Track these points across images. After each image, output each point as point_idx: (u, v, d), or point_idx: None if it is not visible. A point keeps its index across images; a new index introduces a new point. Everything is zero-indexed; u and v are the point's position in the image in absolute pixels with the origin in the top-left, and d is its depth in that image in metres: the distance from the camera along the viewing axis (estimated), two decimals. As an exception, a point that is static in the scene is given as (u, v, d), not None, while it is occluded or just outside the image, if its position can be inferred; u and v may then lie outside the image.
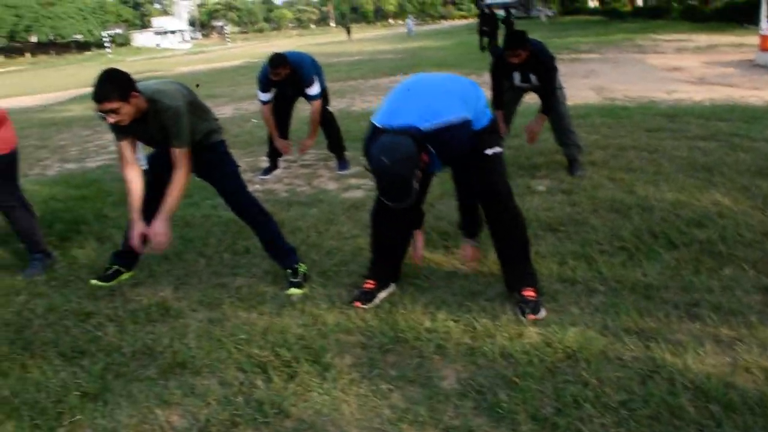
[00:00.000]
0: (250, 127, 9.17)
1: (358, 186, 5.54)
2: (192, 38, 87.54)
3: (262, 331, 2.98)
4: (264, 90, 5.67)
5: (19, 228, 3.99)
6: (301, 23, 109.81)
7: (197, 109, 3.33)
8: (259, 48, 47.65)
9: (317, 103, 5.74)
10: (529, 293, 3.05)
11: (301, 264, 3.57)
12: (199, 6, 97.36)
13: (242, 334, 2.95)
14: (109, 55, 58.96)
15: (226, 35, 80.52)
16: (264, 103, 5.77)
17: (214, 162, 3.47)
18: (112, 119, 2.98)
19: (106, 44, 62.24)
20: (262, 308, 3.25)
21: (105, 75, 2.98)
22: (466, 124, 2.82)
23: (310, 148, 6.12)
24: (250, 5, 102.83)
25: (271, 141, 6.08)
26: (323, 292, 3.38)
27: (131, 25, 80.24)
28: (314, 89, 5.64)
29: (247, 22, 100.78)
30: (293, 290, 3.42)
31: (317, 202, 5.08)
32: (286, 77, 5.45)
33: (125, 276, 3.75)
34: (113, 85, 2.95)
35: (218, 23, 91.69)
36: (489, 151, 3.00)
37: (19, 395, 2.57)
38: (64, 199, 5.60)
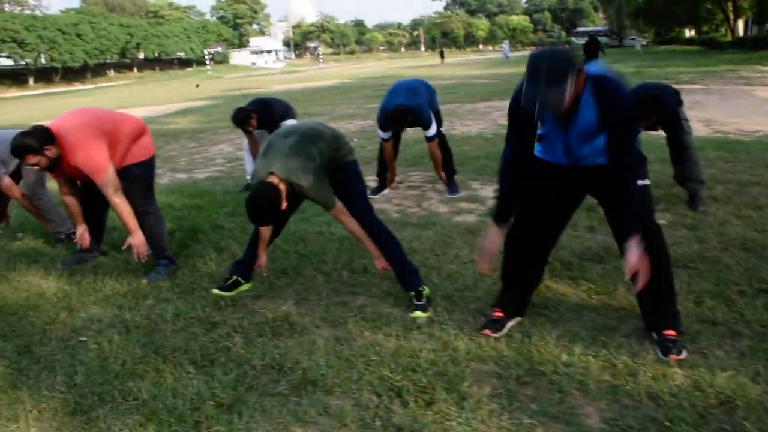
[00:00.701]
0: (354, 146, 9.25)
1: (470, 210, 5.44)
2: (285, 58, 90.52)
3: (391, 353, 2.91)
4: (384, 129, 5.81)
5: (148, 232, 4.12)
6: (391, 46, 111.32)
7: (331, 143, 3.46)
8: (351, 69, 48.73)
9: (433, 144, 5.80)
10: (670, 333, 2.85)
11: (424, 287, 3.49)
12: (294, 27, 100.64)
13: (372, 355, 2.88)
14: (209, 72, 61.78)
15: (318, 56, 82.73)
16: (385, 140, 5.93)
17: (344, 181, 3.51)
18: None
19: (206, 61, 65.22)
20: (388, 330, 3.18)
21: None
22: None
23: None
24: (343, 28, 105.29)
25: (381, 161, 6.11)
26: (449, 317, 3.29)
27: (230, 44, 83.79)
28: (431, 131, 5.73)
29: (339, 44, 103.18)
30: (418, 313, 3.34)
31: (430, 225, 5.01)
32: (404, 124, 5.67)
33: (245, 287, 3.78)
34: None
35: (312, 44, 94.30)
36: (640, 183, 2.86)
37: (157, 399, 2.60)
38: (180, 207, 5.78)
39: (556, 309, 3.31)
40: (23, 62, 54.96)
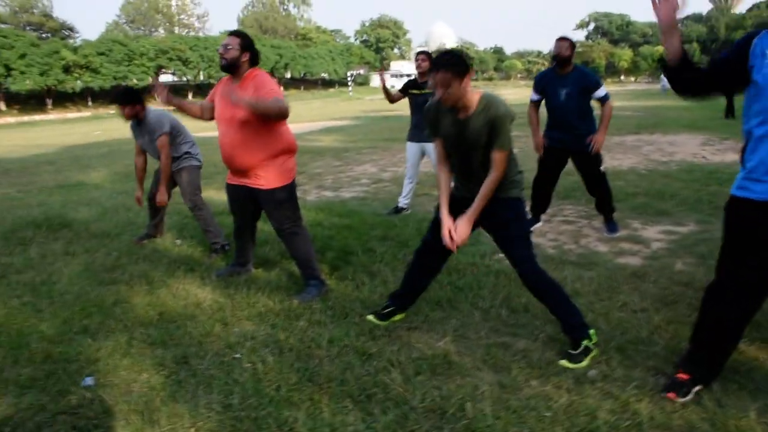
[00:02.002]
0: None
1: (633, 252, 4.94)
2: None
3: (564, 409, 2.58)
4: (537, 90, 5.53)
5: (297, 253, 4.05)
6: (529, 74, 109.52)
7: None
8: (489, 95, 48.26)
9: (609, 105, 5.32)
10: None
11: (586, 338, 3.11)
12: (434, 53, 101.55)
13: (543, 410, 2.57)
14: (350, 93, 63.82)
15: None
16: (533, 102, 5.58)
17: (506, 220, 3.17)
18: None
19: (348, 83, 67.51)
20: (558, 380, 2.85)
21: None
22: None
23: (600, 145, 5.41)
24: (482, 54, 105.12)
25: (534, 193, 5.71)
26: (624, 372, 2.91)
27: (372, 67, 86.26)
28: (602, 91, 5.27)
29: (477, 70, 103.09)
30: (565, 362, 3.03)
31: (591, 265, 4.59)
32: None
33: (398, 317, 3.60)
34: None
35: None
36: None
37: (314, 434, 2.43)
38: (329, 226, 5.73)
39: (750, 376, 2.83)
40: (185, 78, 59.66)
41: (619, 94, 43.39)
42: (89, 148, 17.60)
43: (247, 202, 4.10)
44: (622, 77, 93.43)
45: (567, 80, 5.27)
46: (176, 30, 71.44)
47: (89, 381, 2.91)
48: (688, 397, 2.67)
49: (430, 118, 3.23)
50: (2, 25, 51.53)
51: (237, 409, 2.65)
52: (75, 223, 6.36)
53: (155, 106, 5.15)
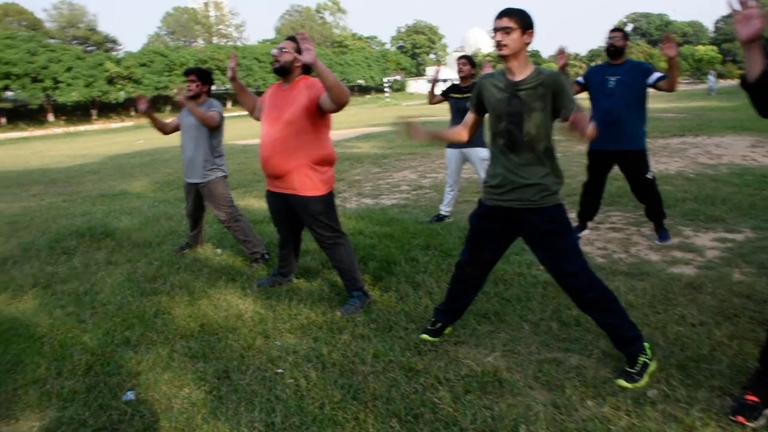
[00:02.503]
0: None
1: (686, 261, 4.71)
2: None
3: (624, 433, 2.41)
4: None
5: (340, 264, 3.95)
6: (568, 76, 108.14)
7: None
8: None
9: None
10: None
11: (643, 354, 2.93)
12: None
13: (604, 435, 2.40)
14: (387, 99, 63.86)
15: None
16: (576, 81, 5.41)
17: (548, 233, 2.97)
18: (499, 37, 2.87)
19: (385, 89, 67.60)
20: (615, 401, 2.68)
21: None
22: None
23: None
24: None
25: (583, 200, 5.52)
26: (687, 393, 2.72)
27: (408, 73, 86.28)
28: (658, 73, 5.00)
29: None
30: (622, 382, 2.85)
31: (643, 275, 4.38)
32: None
33: (447, 331, 3.47)
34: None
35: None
36: None
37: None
38: (371, 235, 5.63)
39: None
40: (224, 87, 60.55)
41: (660, 95, 42.36)
42: (132, 157, 17.90)
43: (286, 212, 4.03)
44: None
45: (619, 70, 5.08)
46: (215, 40, 72.61)
47: (130, 395, 2.85)
48: (760, 422, 2.48)
49: (475, 91, 3.11)
50: (51, 40, 53.06)
51: (279, 428, 2.56)
52: (117, 232, 6.40)
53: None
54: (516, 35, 2.84)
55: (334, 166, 3.98)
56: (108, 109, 51.20)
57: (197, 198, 5.17)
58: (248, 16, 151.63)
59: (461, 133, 3.35)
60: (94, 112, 49.90)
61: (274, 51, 3.81)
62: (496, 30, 2.86)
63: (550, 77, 2.86)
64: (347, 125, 25.72)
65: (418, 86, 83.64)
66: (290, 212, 4.01)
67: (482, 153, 5.99)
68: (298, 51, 3.67)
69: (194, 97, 4.98)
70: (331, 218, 3.92)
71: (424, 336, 3.40)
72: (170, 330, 3.63)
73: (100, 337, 3.58)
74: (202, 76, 5.02)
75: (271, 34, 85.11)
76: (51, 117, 47.81)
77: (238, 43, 70.88)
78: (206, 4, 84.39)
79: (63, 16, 65.37)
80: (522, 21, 2.84)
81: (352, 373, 3.02)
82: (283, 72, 3.78)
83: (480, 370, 3.00)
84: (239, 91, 4.20)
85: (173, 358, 3.25)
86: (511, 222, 3.07)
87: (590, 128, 2.78)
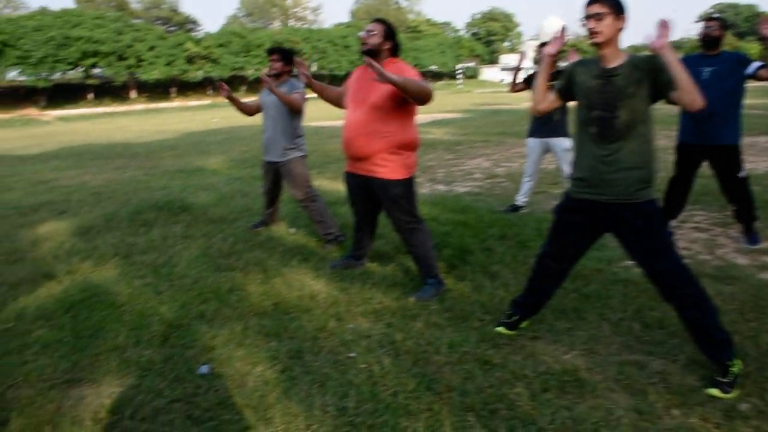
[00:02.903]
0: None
1: (782, 267, 4.40)
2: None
3: (717, 450, 2.25)
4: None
5: (416, 250, 3.88)
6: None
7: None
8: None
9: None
10: None
11: (735, 361, 2.73)
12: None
13: (693, 449, 2.25)
14: (459, 86, 63.19)
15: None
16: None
17: (641, 229, 2.81)
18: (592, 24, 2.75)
19: (459, 76, 66.92)
20: (703, 412, 2.52)
21: None
22: None
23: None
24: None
25: (668, 196, 5.22)
26: (784, 408, 2.51)
27: (482, 60, 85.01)
28: (757, 63, 4.70)
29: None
30: (714, 391, 2.67)
31: (731, 279, 4.11)
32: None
33: (523, 324, 3.35)
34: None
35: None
36: None
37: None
38: (445, 222, 5.52)
39: None
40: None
41: (750, 91, 40.01)
42: (208, 135, 18.35)
43: (365, 194, 3.98)
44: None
45: (714, 60, 4.77)
46: (291, 23, 73.54)
47: (204, 369, 2.88)
48: None
49: (565, 75, 2.98)
50: (136, 20, 54.99)
51: (352, 413, 2.52)
52: (194, 207, 6.53)
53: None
54: (609, 20, 2.71)
55: (416, 151, 3.90)
56: (186, 88, 52.66)
57: (275, 177, 5.20)
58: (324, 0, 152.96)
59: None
60: (173, 90, 51.47)
61: (362, 33, 3.74)
62: (587, 17, 2.74)
63: (645, 60, 2.74)
64: (420, 111, 25.49)
65: (491, 74, 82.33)
66: (369, 195, 3.95)
67: (565, 143, 5.78)
68: (386, 34, 3.63)
69: (276, 76, 4.98)
70: (410, 203, 3.85)
71: (500, 329, 3.30)
72: (244, 306, 3.65)
73: (176, 309, 3.64)
74: (285, 55, 5.02)
75: (346, 18, 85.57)
76: (133, 94, 49.62)
77: (313, 27, 71.51)
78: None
79: (148, -4, 67.63)
80: (614, 5, 2.72)
81: (426, 363, 2.95)
82: (372, 54, 3.70)
83: (559, 369, 2.87)
84: (320, 92, 4.15)
85: (247, 335, 3.26)
86: (599, 217, 2.92)
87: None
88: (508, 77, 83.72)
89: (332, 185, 7.63)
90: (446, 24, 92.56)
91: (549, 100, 3.13)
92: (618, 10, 2.73)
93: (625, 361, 2.98)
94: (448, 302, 3.69)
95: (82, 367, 2.95)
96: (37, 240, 5.51)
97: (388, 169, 3.74)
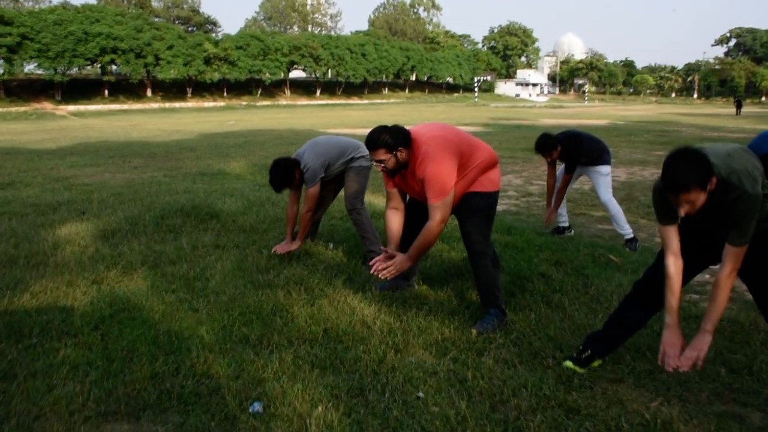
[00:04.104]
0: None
1: None
2: (549, 92, 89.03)
3: None
4: None
5: (482, 276, 3.55)
6: (661, 90, 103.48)
7: None
8: (619, 110, 45.84)
9: None
10: None
11: None
12: (562, 63, 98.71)
13: None
14: (476, 99, 62.99)
15: (584, 94, 80.00)
16: None
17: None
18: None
19: (475, 89, 66.72)
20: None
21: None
22: None
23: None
24: (612, 67, 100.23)
25: None
26: None
27: (498, 74, 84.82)
28: None
29: (606, 84, 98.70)
30: None
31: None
32: None
33: (595, 363, 3.03)
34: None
35: (579, 81, 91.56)
36: None
37: None
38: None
39: None
40: (314, 76, 61.22)
41: (763, 116, 39.49)
42: (226, 137, 18.10)
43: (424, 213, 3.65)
44: (763, 98, 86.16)
45: None
46: (309, 28, 73.57)
47: (257, 407, 2.54)
48: None
49: (659, 201, 2.68)
50: (156, 19, 55.08)
51: (434, 471, 2.18)
52: (222, 214, 6.22)
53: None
54: (702, 197, 2.42)
55: (497, 167, 3.59)
56: (202, 88, 52.63)
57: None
58: (344, 6, 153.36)
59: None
60: (189, 90, 51.43)
61: (377, 167, 3.43)
62: (679, 202, 2.45)
63: (734, 198, 2.52)
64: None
65: (506, 88, 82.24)
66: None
67: (602, 169, 5.44)
68: (392, 150, 3.33)
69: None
70: (488, 220, 3.58)
71: (568, 363, 3.01)
72: (291, 331, 3.31)
73: (217, 331, 3.31)
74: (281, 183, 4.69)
75: (364, 26, 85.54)
76: (149, 92, 49.61)
77: (333, 33, 71.54)
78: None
79: (169, -4, 67.85)
80: (703, 183, 2.39)
81: (505, 407, 2.61)
82: (399, 169, 3.43)
83: (649, 418, 2.53)
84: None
85: (299, 365, 2.93)
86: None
87: None
88: (523, 92, 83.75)
89: (377, 200, 7.23)
90: (464, 36, 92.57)
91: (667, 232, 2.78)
92: (705, 183, 2.40)
93: (722, 413, 2.65)
94: (513, 335, 3.36)
95: (117, 398, 2.61)
96: (58, 242, 5.21)
97: (472, 185, 3.50)
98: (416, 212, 3.66)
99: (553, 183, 5.59)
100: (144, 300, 3.78)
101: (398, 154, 3.35)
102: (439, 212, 3.29)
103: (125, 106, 44.85)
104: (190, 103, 49.27)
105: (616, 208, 5.39)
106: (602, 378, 2.94)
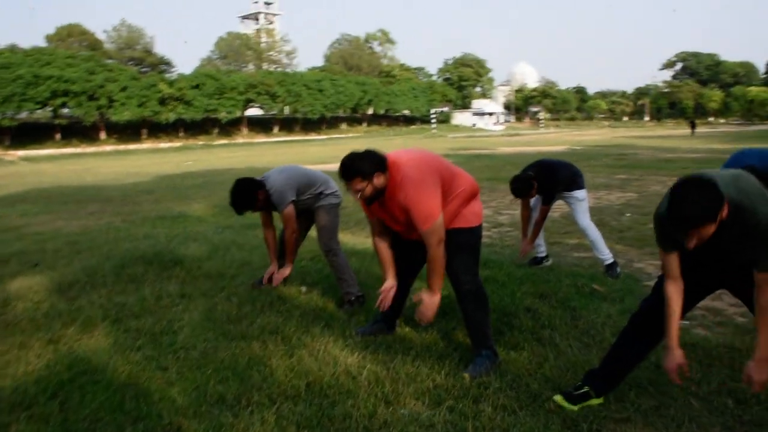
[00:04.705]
0: (629, 221, 8.02)
1: None
2: (505, 121, 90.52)
3: None
4: None
5: (470, 317, 3.37)
6: (613, 114, 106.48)
7: None
8: (575, 136, 46.72)
9: None
10: None
11: None
12: (517, 92, 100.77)
13: None
14: (434, 130, 63.61)
15: (539, 121, 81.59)
16: None
17: None
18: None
19: (432, 120, 67.42)
20: None
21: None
22: None
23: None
24: (565, 93, 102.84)
25: None
26: None
27: (454, 105, 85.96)
28: None
29: (560, 110, 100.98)
30: None
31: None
32: None
33: (594, 401, 2.88)
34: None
35: (534, 109, 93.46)
36: None
37: None
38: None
39: None
40: (271, 113, 61.03)
41: (714, 135, 40.82)
42: (184, 178, 17.71)
43: (411, 249, 3.46)
44: (711, 119, 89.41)
45: None
46: (265, 66, 73.58)
47: (241, 480, 2.28)
48: None
49: (662, 231, 2.56)
50: (109, 60, 54.37)
51: None
52: (186, 260, 5.92)
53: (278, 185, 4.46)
54: (711, 228, 2.30)
55: (479, 199, 3.43)
56: (158, 129, 51.89)
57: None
58: (299, 43, 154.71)
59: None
60: (144, 131, 50.66)
61: (355, 195, 3.22)
62: (687, 238, 2.34)
63: (754, 226, 2.43)
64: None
65: (463, 118, 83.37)
66: (415, 249, 3.43)
67: (578, 194, 5.35)
68: (368, 177, 3.13)
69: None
70: (476, 257, 3.41)
71: (558, 398, 2.88)
72: (272, 387, 3.05)
73: (190, 391, 3.03)
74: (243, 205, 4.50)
75: (320, 62, 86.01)
76: (103, 135, 48.68)
77: (288, 70, 71.71)
78: (258, 31, 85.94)
79: (122, 37, 67.03)
80: (713, 217, 2.28)
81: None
82: (378, 195, 3.24)
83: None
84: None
85: (283, 426, 2.67)
86: None
87: None
88: (479, 122, 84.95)
89: (353, 239, 7.00)
90: (419, 69, 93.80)
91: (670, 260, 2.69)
92: (714, 218, 2.29)
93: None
94: (509, 377, 3.17)
95: (80, 479, 2.32)
96: (8, 299, 4.83)
97: (455, 219, 3.31)
98: (405, 253, 3.54)
99: (527, 215, 5.47)
100: (107, 360, 3.47)
101: (375, 179, 3.15)
102: (433, 236, 3.11)
103: (78, 150, 43.83)
104: (146, 145, 48.47)
105: (595, 234, 5.29)
106: (608, 418, 2.78)
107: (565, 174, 5.33)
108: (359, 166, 3.13)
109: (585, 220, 5.31)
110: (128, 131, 50.21)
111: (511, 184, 5.25)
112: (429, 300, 3.20)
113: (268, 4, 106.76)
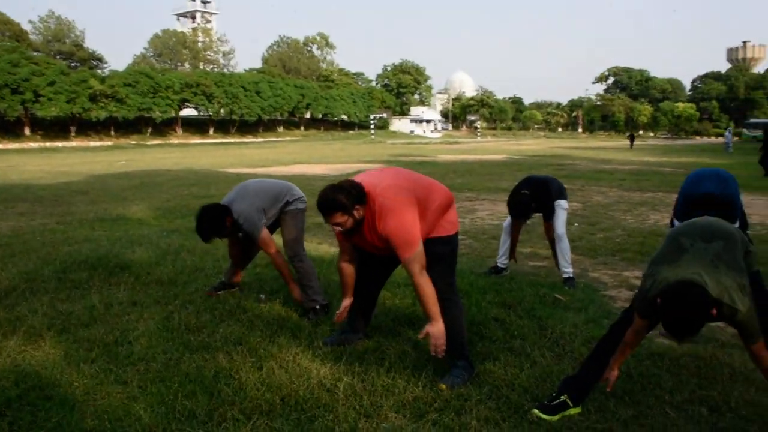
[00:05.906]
0: (579, 231, 8.17)
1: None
2: (443, 128, 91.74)
3: None
4: (681, 219, 4.67)
5: (448, 327, 3.28)
6: (548, 125, 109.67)
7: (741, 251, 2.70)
8: (512, 145, 47.77)
9: None
10: None
11: None
12: (454, 100, 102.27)
13: None
14: (372, 136, 63.66)
15: (477, 130, 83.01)
16: None
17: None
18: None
19: (371, 126, 67.49)
20: None
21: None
22: None
23: None
24: (502, 103, 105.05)
25: None
26: None
27: (393, 112, 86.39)
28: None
29: (496, 119, 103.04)
30: None
31: None
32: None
33: (572, 411, 2.89)
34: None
35: (471, 117, 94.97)
36: None
37: None
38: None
39: None
40: (207, 114, 59.68)
41: (645, 148, 42.62)
42: (119, 178, 17.03)
43: (381, 262, 3.39)
44: (641, 132, 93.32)
45: None
46: (201, 66, 72.02)
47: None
48: None
49: (648, 312, 2.70)
50: (35, 53, 51.92)
51: None
52: (134, 265, 5.63)
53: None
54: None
55: (454, 207, 3.39)
56: (87, 127, 49.91)
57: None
58: (237, 44, 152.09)
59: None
60: (73, 128, 48.61)
61: (335, 229, 3.17)
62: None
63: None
64: (337, 160, 25.24)
65: (401, 125, 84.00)
66: (386, 261, 3.38)
67: (564, 203, 5.43)
68: (348, 210, 3.06)
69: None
70: (452, 265, 3.39)
71: (536, 412, 2.87)
72: (244, 402, 2.89)
73: (156, 406, 2.83)
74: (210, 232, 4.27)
75: (258, 63, 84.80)
76: (27, 131, 46.43)
77: (226, 70, 70.40)
78: (195, 30, 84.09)
79: (49, 29, 64.24)
80: (705, 322, 2.51)
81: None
82: (358, 226, 3.18)
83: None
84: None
85: (262, 444, 2.53)
86: None
87: None
88: (417, 129, 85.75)
89: (317, 249, 6.81)
90: (358, 74, 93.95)
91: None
92: (707, 322, 2.55)
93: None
94: (486, 388, 3.12)
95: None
96: (-61, 306, 4.47)
97: (432, 230, 3.27)
98: (367, 263, 3.49)
99: (517, 237, 5.75)
100: (58, 374, 3.22)
101: (355, 213, 3.08)
102: (415, 264, 3.04)
103: (0, 146, 41.65)
104: (74, 143, 46.53)
105: (566, 244, 5.38)
106: (590, 429, 2.78)
107: (555, 186, 5.46)
108: (340, 201, 3.05)
109: (562, 229, 5.41)
110: (55, 128, 48.10)
111: (512, 206, 5.39)
112: (434, 330, 3.11)
113: (205, 2, 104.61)
